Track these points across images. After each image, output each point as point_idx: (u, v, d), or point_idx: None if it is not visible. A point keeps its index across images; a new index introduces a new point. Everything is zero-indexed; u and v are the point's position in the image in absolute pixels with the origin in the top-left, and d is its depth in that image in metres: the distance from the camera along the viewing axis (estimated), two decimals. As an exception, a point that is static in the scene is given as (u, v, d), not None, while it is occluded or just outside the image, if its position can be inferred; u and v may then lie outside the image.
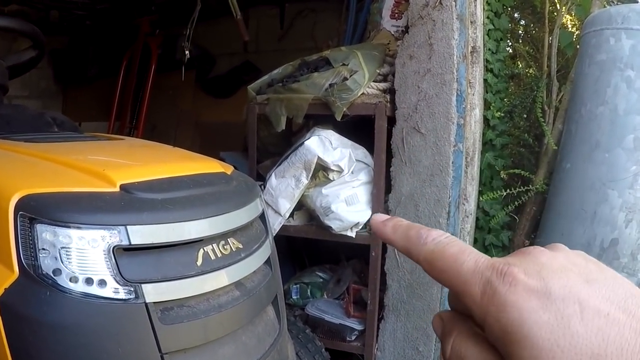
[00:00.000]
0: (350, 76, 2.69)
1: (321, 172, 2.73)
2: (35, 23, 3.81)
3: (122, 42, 5.38)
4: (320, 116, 2.82)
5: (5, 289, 1.24)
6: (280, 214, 2.77)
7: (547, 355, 0.36)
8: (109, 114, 5.36)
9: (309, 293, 3.17)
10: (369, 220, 2.74)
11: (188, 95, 5.47)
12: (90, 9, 5.21)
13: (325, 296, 3.14)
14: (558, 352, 0.36)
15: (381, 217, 0.51)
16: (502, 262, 0.41)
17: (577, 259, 0.41)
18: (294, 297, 3.16)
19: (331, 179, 2.72)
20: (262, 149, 3.20)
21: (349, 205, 2.69)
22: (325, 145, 2.69)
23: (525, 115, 3.70)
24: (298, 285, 3.19)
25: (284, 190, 2.76)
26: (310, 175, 2.71)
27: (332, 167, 2.68)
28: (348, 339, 2.88)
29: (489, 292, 0.40)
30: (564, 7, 3.55)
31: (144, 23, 5.13)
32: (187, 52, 3.63)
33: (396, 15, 3.20)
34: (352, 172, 2.74)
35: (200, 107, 5.44)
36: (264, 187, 2.81)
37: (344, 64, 2.78)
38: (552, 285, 0.38)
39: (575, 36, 3.53)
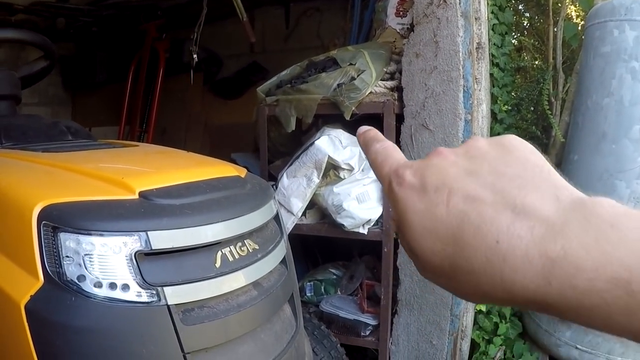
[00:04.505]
0: (358, 75, 2.71)
1: (332, 170, 2.76)
2: (42, 31, 3.85)
3: (130, 47, 5.40)
4: (329, 115, 2.84)
5: (31, 296, 1.28)
6: (292, 213, 2.81)
7: (420, 237, 0.45)
8: (119, 119, 5.38)
9: (322, 290, 3.20)
10: (380, 216, 2.78)
11: (197, 98, 5.48)
12: (97, 16, 5.25)
13: (339, 293, 3.17)
14: (426, 233, 0.44)
15: (363, 128, 0.60)
16: (403, 166, 0.49)
17: (478, 154, 0.47)
18: (308, 294, 3.19)
19: (342, 177, 2.76)
20: (272, 149, 3.23)
21: (360, 203, 2.72)
22: (335, 144, 2.72)
23: (532, 108, 3.71)
24: (312, 283, 3.22)
25: (295, 189, 2.79)
26: (321, 174, 2.74)
27: (343, 166, 2.72)
28: (362, 334, 2.91)
29: (389, 190, 0.49)
30: (567, -1, 3.56)
31: (150, 28, 5.14)
32: (194, 56, 3.65)
33: (401, 13, 3.22)
34: (362, 170, 2.77)
35: (209, 109, 5.45)
36: (276, 187, 2.84)
37: (351, 64, 2.80)
38: (428, 181, 0.46)
39: (580, 27, 3.54)
